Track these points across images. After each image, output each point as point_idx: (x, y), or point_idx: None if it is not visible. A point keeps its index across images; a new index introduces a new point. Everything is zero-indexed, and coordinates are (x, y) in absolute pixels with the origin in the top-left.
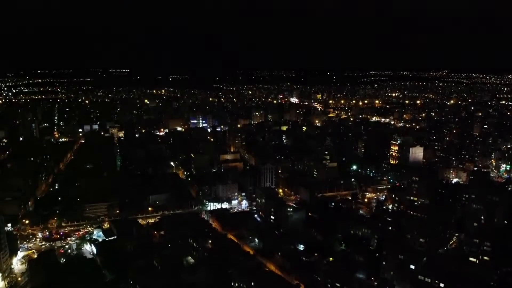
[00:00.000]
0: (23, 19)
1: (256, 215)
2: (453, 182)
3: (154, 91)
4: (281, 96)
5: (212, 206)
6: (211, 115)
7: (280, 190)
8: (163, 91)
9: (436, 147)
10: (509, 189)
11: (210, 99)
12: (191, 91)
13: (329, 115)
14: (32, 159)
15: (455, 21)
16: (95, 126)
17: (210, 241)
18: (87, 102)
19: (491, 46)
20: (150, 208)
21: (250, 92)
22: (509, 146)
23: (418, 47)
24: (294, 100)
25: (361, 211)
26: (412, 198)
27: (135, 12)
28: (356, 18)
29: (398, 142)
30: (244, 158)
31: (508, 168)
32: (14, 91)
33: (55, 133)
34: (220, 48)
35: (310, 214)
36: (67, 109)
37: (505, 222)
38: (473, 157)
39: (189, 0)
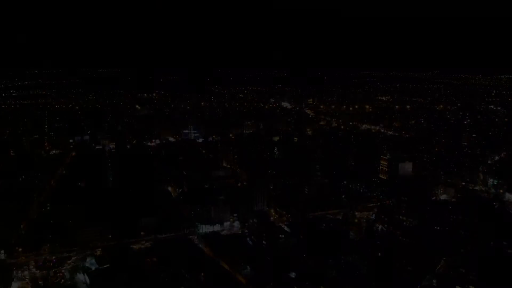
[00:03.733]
0: (14, 19)
1: (248, 239)
2: (441, 198)
3: (145, 94)
4: (273, 100)
5: (204, 228)
6: (203, 125)
7: (272, 211)
8: (154, 94)
9: (425, 159)
10: (496, 207)
11: (202, 103)
12: (182, 94)
13: (320, 123)
14: (23, 176)
15: (448, 20)
16: (86, 137)
17: (202, 274)
18: (77, 108)
19: (480, 45)
20: (142, 232)
21: (241, 96)
22: (497, 158)
23: (410, 46)
24: (285, 104)
25: (351, 233)
26: (401, 217)
27: (125, 11)
28: (350, 16)
29: (388, 157)
30: (236, 173)
31: (495, 183)
32: (3, 94)
33: (46, 144)
34: (211, 47)
35: (301, 237)
36: (58, 118)
37: (491, 243)
38: (461, 170)
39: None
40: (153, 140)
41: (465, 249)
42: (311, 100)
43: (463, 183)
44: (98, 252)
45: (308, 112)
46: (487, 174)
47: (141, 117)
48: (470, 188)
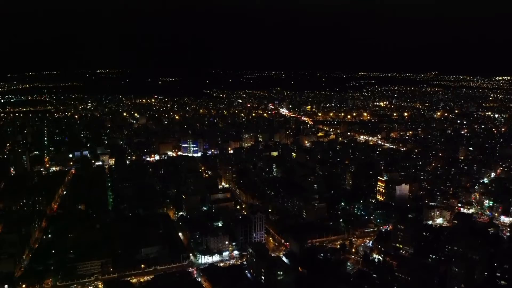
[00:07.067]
0: (13, 21)
1: (246, 271)
2: (437, 222)
3: (143, 100)
4: (272, 107)
5: (203, 258)
6: (201, 139)
7: (271, 238)
8: (152, 100)
9: (422, 177)
10: (491, 232)
11: (201, 110)
12: (181, 99)
13: (318, 135)
14: (24, 200)
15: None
16: (86, 152)
17: None
18: (76, 117)
19: (478, 47)
20: (142, 265)
21: (240, 101)
22: (493, 175)
23: (407, 49)
24: (284, 111)
25: (348, 264)
26: (397, 245)
27: (122, 12)
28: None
29: (385, 178)
30: (235, 193)
31: (491, 204)
32: (2, 100)
33: (46, 159)
34: (209, 48)
35: (300, 268)
36: (57, 131)
37: (485, 274)
38: (457, 190)
39: (178, 2)
40: (152, 155)
41: (458, 284)
42: (309, 107)
43: (459, 205)
44: (100, 286)
45: (306, 121)
46: (483, 194)
47: (139, 129)
48: (466, 210)
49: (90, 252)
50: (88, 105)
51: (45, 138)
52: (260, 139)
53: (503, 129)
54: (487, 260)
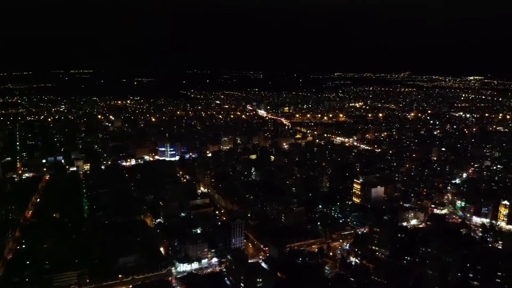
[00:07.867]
0: None
1: (226, 278)
2: (411, 223)
3: (119, 101)
4: (250, 108)
5: (182, 266)
6: (179, 142)
7: (250, 245)
8: (128, 101)
9: (397, 178)
10: (463, 233)
11: (178, 112)
12: (158, 101)
13: (296, 137)
14: None
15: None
16: (60, 157)
17: None
18: (49, 120)
19: (450, 47)
20: (120, 275)
21: (218, 102)
22: (464, 175)
23: (381, 48)
24: (262, 112)
25: (326, 267)
26: (373, 248)
27: (97, 10)
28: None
29: (360, 181)
30: (214, 198)
31: (463, 205)
32: None
33: (18, 166)
34: (186, 47)
35: (279, 274)
36: (30, 135)
37: (459, 275)
38: (431, 191)
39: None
40: (129, 160)
41: (432, 286)
42: (287, 108)
43: (432, 206)
44: None
45: (284, 123)
46: (455, 195)
47: (115, 132)
48: (439, 211)
49: (66, 263)
50: (62, 108)
51: (17, 143)
52: (238, 141)
53: (474, 129)
54: (460, 262)
